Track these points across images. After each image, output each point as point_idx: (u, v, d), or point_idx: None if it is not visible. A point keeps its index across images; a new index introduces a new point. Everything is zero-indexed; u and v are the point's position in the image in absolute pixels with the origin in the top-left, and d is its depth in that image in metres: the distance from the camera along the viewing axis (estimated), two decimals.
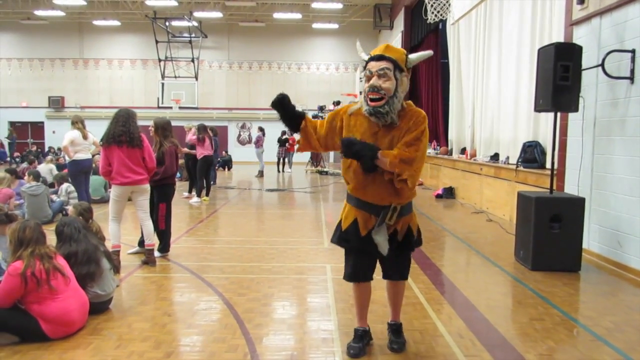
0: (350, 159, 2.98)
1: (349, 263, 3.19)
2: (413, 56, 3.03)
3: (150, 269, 5.26)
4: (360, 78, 3.05)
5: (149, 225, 5.47)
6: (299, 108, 3.18)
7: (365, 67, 2.98)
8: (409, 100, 3.08)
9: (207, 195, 10.69)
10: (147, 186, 5.44)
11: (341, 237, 3.17)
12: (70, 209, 4.84)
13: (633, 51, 5.15)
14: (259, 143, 17.11)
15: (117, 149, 5.16)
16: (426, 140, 2.99)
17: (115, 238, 5.21)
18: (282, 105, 3.08)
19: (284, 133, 18.23)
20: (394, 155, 2.87)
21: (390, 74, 2.90)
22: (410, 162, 2.89)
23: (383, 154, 2.88)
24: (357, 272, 3.18)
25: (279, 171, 18.39)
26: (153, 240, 5.48)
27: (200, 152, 10.56)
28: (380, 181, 2.97)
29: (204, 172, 10.59)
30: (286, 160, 18.80)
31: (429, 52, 3.14)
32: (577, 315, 4.08)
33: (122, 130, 5.16)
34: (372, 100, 2.90)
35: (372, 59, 2.96)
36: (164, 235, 5.78)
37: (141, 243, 5.76)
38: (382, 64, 2.90)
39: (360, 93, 3.04)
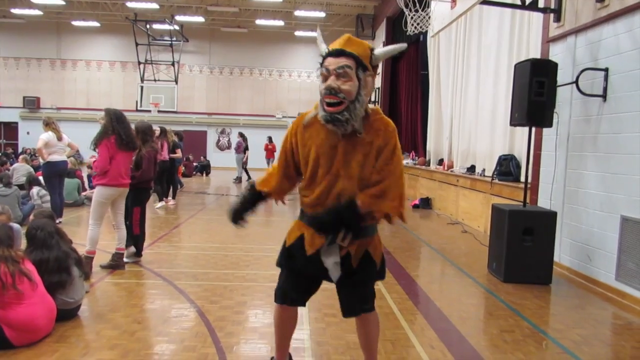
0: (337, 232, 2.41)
1: (281, 279, 2.68)
2: (379, 51, 2.47)
3: (121, 275, 5.17)
4: (317, 76, 2.49)
5: (124, 229, 5.42)
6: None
7: (321, 64, 2.44)
8: (375, 106, 2.55)
9: (160, 200, 10.52)
10: (127, 189, 5.44)
11: (283, 254, 2.66)
12: (31, 217, 4.66)
13: (606, 70, 5.27)
14: (239, 149, 17.01)
15: (122, 153, 5.16)
16: (400, 155, 2.48)
17: (92, 243, 5.08)
18: (239, 212, 2.81)
19: (270, 140, 18.40)
20: (381, 204, 2.39)
21: (352, 74, 2.33)
22: (390, 195, 2.41)
23: (362, 204, 2.37)
24: (288, 291, 2.63)
25: None
26: (125, 245, 5.41)
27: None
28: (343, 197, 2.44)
29: (161, 178, 10.46)
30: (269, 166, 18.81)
31: (401, 45, 2.54)
32: (546, 327, 4.13)
33: (133, 136, 5.26)
34: (329, 105, 2.35)
35: (330, 54, 2.40)
36: (137, 240, 5.69)
37: (136, 253, 5.69)
38: (342, 61, 2.34)
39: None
